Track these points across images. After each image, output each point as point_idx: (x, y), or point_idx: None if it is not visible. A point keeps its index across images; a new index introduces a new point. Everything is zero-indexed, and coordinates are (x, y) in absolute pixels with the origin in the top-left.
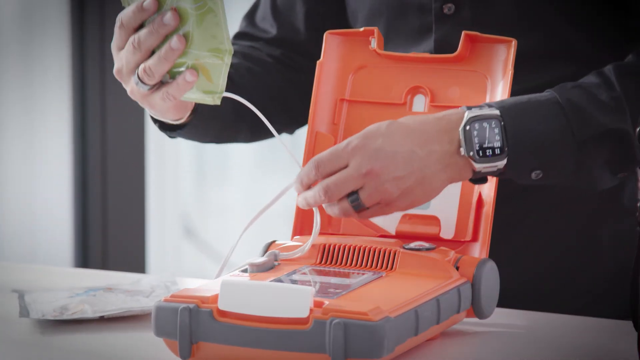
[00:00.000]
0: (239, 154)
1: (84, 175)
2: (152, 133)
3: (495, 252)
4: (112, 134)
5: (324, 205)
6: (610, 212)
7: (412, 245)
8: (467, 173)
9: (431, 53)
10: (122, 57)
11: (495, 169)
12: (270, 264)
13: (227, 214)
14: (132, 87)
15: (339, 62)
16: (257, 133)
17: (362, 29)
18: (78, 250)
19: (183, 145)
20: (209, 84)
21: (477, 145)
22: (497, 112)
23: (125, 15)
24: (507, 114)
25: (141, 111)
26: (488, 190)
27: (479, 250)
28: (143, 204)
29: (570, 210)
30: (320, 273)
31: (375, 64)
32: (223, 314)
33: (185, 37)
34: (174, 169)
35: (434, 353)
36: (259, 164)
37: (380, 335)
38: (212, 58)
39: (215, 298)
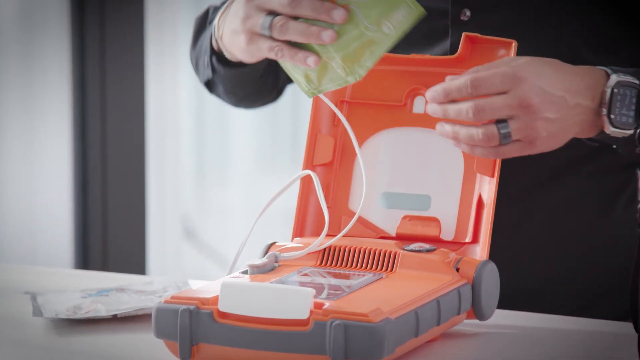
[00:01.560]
0: (239, 155)
1: (84, 176)
2: (153, 134)
3: (495, 254)
4: (112, 135)
5: (461, 129)
6: (610, 215)
7: (412, 246)
8: (594, 131)
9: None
10: None
11: (620, 136)
12: (271, 265)
13: (228, 215)
14: (249, 18)
15: None
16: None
17: None
18: (78, 251)
19: (183, 146)
20: (314, 75)
21: (617, 109)
22: (637, 82)
23: None
24: None
25: (141, 112)
26: (488, 191)
27: (479, 251)
28: (143, 205)
29: (571, 212)
30: (320, 274)
31: (375, 65)
32: (223, 315)
33: (337, 34)
34: (174, 170)
35: (434, 354)
36: (259, 165)
37: (381, 336)
38: (339, 69)
39: (215, 299)
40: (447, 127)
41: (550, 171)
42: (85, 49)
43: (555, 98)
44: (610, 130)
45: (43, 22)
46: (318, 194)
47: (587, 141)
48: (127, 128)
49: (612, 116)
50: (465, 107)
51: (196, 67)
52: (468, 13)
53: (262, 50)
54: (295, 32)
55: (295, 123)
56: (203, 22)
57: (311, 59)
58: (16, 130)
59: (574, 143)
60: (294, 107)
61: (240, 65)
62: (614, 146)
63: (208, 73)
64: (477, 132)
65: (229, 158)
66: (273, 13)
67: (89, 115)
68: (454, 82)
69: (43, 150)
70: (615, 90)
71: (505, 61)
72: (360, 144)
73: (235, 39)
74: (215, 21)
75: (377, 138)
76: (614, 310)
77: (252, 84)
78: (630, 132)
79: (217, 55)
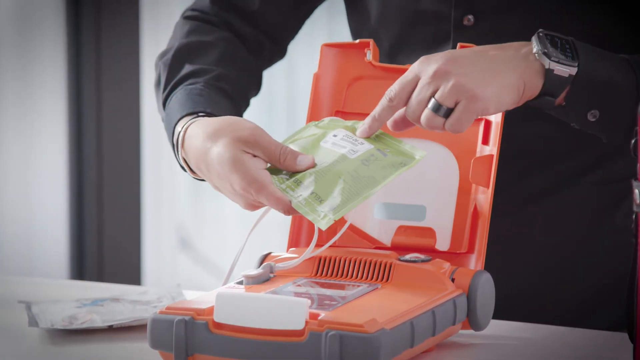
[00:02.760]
0: None
1: (79, 186)
2: (149, 143)
3: (493, 264)
4: (108, 146)
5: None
6: (606, 226)
7: (408, 257)
8: (538, 79)
9: None
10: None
11: (565, 74)
12: (266, 275)
13: (223, 225)
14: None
15: (334, 74)
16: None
17: (357, 41)
18: (74, 261)
19: None
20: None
21: (551, 47)
22: (570, 38)
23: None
24: (580, 44)
25: (137, 121)
26: (483, 202)
27: (474, 262)
28: (139, 215)
29: (569, 223)
30: (315, 285)
31: (370, 75)
32: (218, 326)
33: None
34: (170, 180)
35: None
36: None
37: (376, 347)
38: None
39: (210, 310)
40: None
41: (550, 182)
42: (80, 51)
43: (466, 56)
44: (550, 64)
45: (38, 24)
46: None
47: (541, 106)
48: (123, 139)
49: (546, 51)
50: (400, 114)
51: (161, 116)
52: (471, 18)
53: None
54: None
55: (291, 132)
56: (158, 82)
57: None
58: (11, 139)
59: (574, 153)
60: (289, 117)
61: None
62: (569, 114)
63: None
64: (423, 125)
65: None
66: None
67: (84, 127)
68: (375, 109)
69: (39, 160)
70: (541, 35)
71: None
72: None
73: (227, 195)
74: (175, 148)
75: None
76: (611, 320)
77: None
78: (574, 68)
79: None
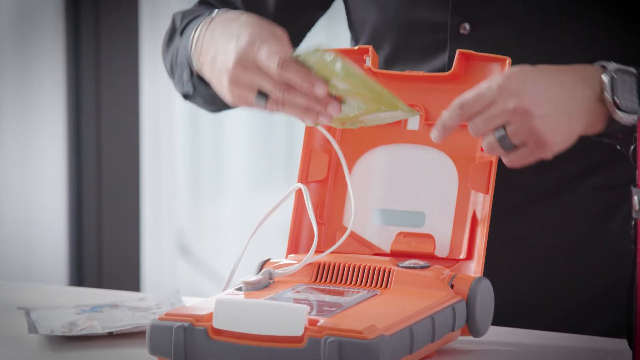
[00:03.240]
0: (233, 171)
1: (78, 192)
2: (148, 149)
3: (492, 270)
4: (107, 151)
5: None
6: (604, 231)
7: (407, 263)
8: (602, 123)
9: (444, 70)
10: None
11: (630, 123)
12: (265, 282)
13: (222, 231)
14: (238, 86)
15: None
16: None
17: (356, 47)
18: (73, 268)
19: (178, 162)
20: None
21: (621, 92)
22: (634, 70)
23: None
24: None
25: (136, 125)
26: (482, 208)
27: (473, 268)
28: (138, 221)
29: (568, 229)
30: (314, 291)
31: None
32: (218, 332)
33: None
34: (169, 186)
35: None
36: (254, 181)
37: (375, 353)
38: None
39: (209, 316)
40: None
41: (548, 188)
42: (80, 51)
43: (548, 95)
44: (618, 115)
45: (38, 23)
46: (307, 208)
47: (595, 137)
48: (122, 145)
49: (616, 99)
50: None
51: (171, 73)
52: (467, 27)
53: (252, 107)
54: (293, 112)
55: (290, 139)
56: (173, 29)
57: (308, 120)
58: (11, 140)
59: (572, 158)
60: (288, 123)
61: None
62: (618, 147)
63: (188, 89)
64: (485, 144)
65: (224, 174)
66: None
67: (83, 131)
68: (446, 113)
69: (37, 163)
70: (615, 76)
71: (492, 77)
72: (354, 160)
73: (219, 89)
74: (191, 46)
75: (372, 155)
76: (610, 326)
77: None
78: (637, 116)
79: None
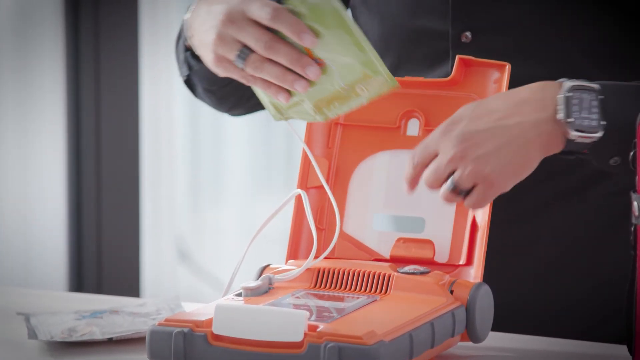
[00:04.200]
0: (233, 176)
1: (78, 197)
2: (148, 153)
3: (498, 275)
4: (107, 155)
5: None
6: (612, 238)
7: (406, 269)
8: (559, 144)
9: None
10: (243, 29)
11: (588, 141)
12: (265, 287)
13: (222, 237)
14: (222, 43)
15: None
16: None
17: None
18: (72, 273)
19: (178, 167)
20: (282, 105)
21: (576, 113)
22: (597, 86)
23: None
24: (607, 91)
25: (136, 129)
26: (482, 214)
27: (473, 274)
28: (137, 227)
29: (576, 235)
30: (314, 297)
31: None
32: (217, 338)
33: (310, 84)
34: (169, 191)
35: None
36: (254, 186)
37: (375, 359)
38: (308, 108)
39: (209, 322)
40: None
41: (556, 194)
42: (79, 52)
43: (483, 133)
44: (573, 134)
45: (37, 24)
46: (307, 214)
47: (561, 155)
48: (121, 149)
49: (569, 120)
50: (422, 181)
51: (177, 63)
52: (469, 35)
53: (232, 74)
54: (270, 74)
55: (290, 144)
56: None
57: (282, 96)
58: (10, 140)
59: (581, 165)
60: (288, 129)
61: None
62: (591, 159)
63: (184, 70)
64: (442, 195)
65: (224, 179)
66: (247, 46)
67: (83, 131)
68: (407, 173)
69: (37, 167)
70: (570, 94)
71: (443, 123)
72: (354, 166)
73: (204, 53)
74: (186, 16)
75: (371, 160)
76: (609, 333)
77: (228, 82)
78: (598, 135)
79: (191, 50)
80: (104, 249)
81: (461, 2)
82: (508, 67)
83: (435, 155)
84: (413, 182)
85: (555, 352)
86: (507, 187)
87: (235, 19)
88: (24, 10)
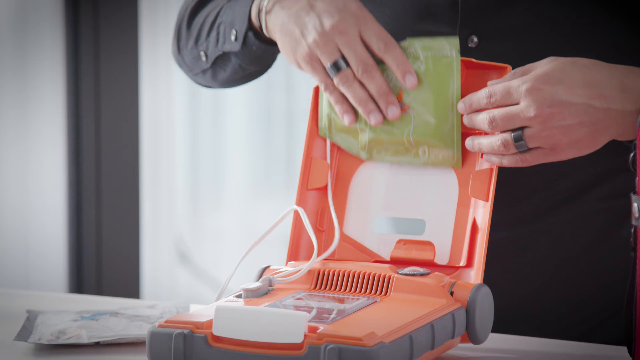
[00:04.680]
0: (233, 179)
1: (78, 200)
2: (147, 156)
3: (489, 278)
4: (106, 158)
5: (483, 139)
6: (612, 240)
7: (406, 270)
8: (632, 135)
9: None
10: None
11: None
12: (265, 289)
13: (222, 239)
14: (321, 46)
15: None
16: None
17: None
18: (72, 275)
19: (178, 170)
20: (336, 123)
21: None
22: None
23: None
24: None
25: (136, 131)
26: (482, 215)
27: (473, 275)
28: (137, 229)
29: (572, 238)
30: (314, 298)
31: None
32: (217, 339)
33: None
34: (169, 193)
35: None
36: (254, 189)
37: None
38: (358, 142)
39: (209, 323)
40: (469, 141)
41: (556, 196)
42: (79, 52)
43: (575, 106)
44: None
45: (37, 24)
46: (307, 228)
47: (625, 143)
48: (121, 151)
49: None
50: (481, 118)
51: (199, 35)
52: (475, 39)
53: (314, 75)
54: (354, 95)
55: (290, 147)
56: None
57: (348, 118)
58: (10, 141)
59: (580, 168)
60: (288, 130)
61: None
62: None
63: (233, 46)
64: (496, 141)
65: (223, 181)
66: (344, 57)
67: (83, 133)
68: (476, 93)
69: (37, 172)
70: None
71: (525, 70)
72: (355, 168)
73: (289, 42)
74: (258, 1)
75: (373, 163)
76: (609, 335)
77: (271, 60)
78: None
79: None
80: (103, 250)
81: (469, 7)
82: (509, 69)
83: (512, 103)
84: (473, 108)
85: (556, 353)
86: (567, 157)
87: (347, 31)
88: (24, 10)
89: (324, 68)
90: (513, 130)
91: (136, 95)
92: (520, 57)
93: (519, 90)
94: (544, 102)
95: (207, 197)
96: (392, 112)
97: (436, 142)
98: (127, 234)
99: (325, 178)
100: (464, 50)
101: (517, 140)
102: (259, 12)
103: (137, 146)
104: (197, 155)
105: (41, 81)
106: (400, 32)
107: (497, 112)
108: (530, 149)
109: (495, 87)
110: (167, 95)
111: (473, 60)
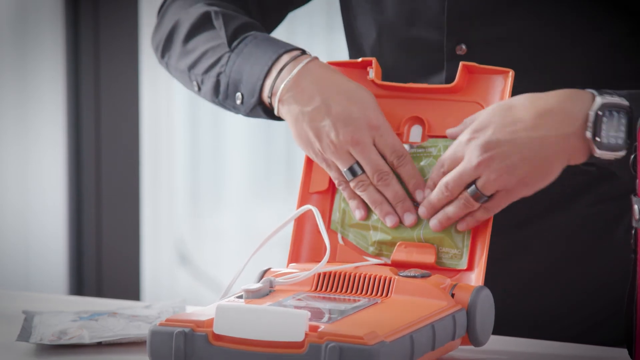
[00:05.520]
0: (233, 180)
1: (78, 201)
2: (147, 157)
3: (496, 279)
4: (107, 160)
5: (448, 208)
6: (611, 241)
7: (407, 272)
8: (583, 157)
9: None
10: (370, 158)
11: (613, 158)
12: (266, 290)
13: (222, 240)
14: (336, 152)
15: None
16: None
17: (360, 60)
18: (73, 276)
19: (178, 171)
20: (349, 219)
21: (604, 132)
22: (627, 103)
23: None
24: (637, 108)
25: (136, 133)
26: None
27: (474, 278)
28: (137, 230)
29: (571, 239)
30: (315, 299)
31: (373, 94)
32: (218, 338)
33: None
34: (169, 194)
35: None
36: (254, 190)
37: (376, 359)
38: (368, 241)
39: (210, 322)
40: (434, 220)
41: (552, 199)
42: (79, 52)
43: (510, 142)
44: (598, 152)
45: (37, 24)
46: (320, 228)
47: (583, 166)
48: (121, 153)
49: (597, 139)
50: (439, 189)
51: (190, 68)
52: (464, 47)
53: (327, 170)
54: (369, 198)
55: (290, 148)
56: (202, 22)
57: (360, 213)
58: (10, 142)
59: (576, 171)
60: (288, 132)
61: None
62: (613, 170)
63: (237, 108)
64: (457, 202)
65: (224, 183)
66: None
67: (83, 134)
68: (431, 178)
69: (37, 173)
70: (600, 113)
71: (465, 128)
72: None
73: (302, 139)
74: (276, 85)
75: None
76: (609, 336)
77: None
78: (622, 153)
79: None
80: (104, 252)
81: (456, 15)
82: (511, 73)
83: (461, 160)
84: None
85: (556, 355)
86: (528, 194)
87: (361, 141)
88: (24, 10)
89: (340, 173)
90: (467, 187)
91: (136, 95)
92: (509, 66)
93: (460, 145)
94: (482, 147)
95: (207, 197)
96: (409, 219)
97: (446, 241)
98: (127, 234)
99: (327, 181)
100: (453, 58)
101: (473, 193)
102: (272, 94)
103: (137, 146)
104: (197, 155)
105: (41, 81)
106: (390, 37)
107: (448, 176)
108: (490, 197)
109: (442, 156)
110: (167, 96)
111: (476, 64)
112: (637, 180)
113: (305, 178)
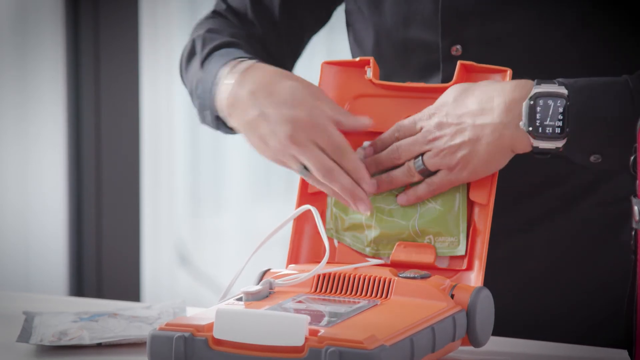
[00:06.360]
0: (233, 181)
1: (78, 203)
2: (147, 158)
3: (490, 280)
4: (107, 161)
5: (395, 171)
6: (611, 244)
7: (407, 273)
8: (526, 146)
9: None
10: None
11: (553, 147)
12: (265, 292)
13: (222, 241)
14: (282, 156)
15: (335, 92)
16: None
17: (357, 59)
18: (73, 277)
19: (178, 173)
20: (341, 223)
21: (538, 121)
22: (565, 91)
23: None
24: (575, 95)
25: (136, 133)
26: (483, 219)
27: (473, 279)
28: (138, 232)
29: (570, 242)
30: (315, 301)
31: (371, 93)
32: (218, 342)
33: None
34: (169, 195)
35: None
36: (254, 192)
37: None
38: (365, 240)
39: (210, 326)
40: (383, 178)
41: (553, 202)
42: (79, 53)
43: (456, 127)
44: (534, 142)
45: (37, 24)
46: (320, 229)
47: (535, 155)
48: (122, 153)
49: (531, 129)
50: (388, 151)
51: (190, 96)
52: (459, 48)
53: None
54: (329, 192)
55: None
56: (192, 52)
57: (362, 206)
58: (10, 142)
59: (578, 172)
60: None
61: None
62: (568, 157)
63: (211, 124)
64: (404, 167)
65: (224, 184)
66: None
67: (83, 134)
68: (385, 133)
69: (37, 174)
70: (532, 103)
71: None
72: None
73: (256, 146)
74: (215, 92)
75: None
76: (609, 338)
77: None
78: (561, 142)
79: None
80: (104, 252)
81: (450, 16)
82: (509, 72)
83: (418, 131)
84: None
85: (556, 356)
86: (471, 178)
87: (300, 142)
88: (24, 10)
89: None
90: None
91: (136, 95)
92: (507, 66)
93: (422, 117)
94: (435, 126)
95: (207, 198)
96: (363, 207)
97: (441, 229)
98: (128, 235)
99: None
100: (449, 59)
101: (417, 165)
102: (221, 110)
103: (138, 147)
104: (197, 156)
105: (41, 81)
106: (387, 39)
107: (403, 141)
108: (434, 173)
109: (402, 121)
110: (167, 96)
111: (474, 63)
112: (637, 182)
113: (303, 180)
